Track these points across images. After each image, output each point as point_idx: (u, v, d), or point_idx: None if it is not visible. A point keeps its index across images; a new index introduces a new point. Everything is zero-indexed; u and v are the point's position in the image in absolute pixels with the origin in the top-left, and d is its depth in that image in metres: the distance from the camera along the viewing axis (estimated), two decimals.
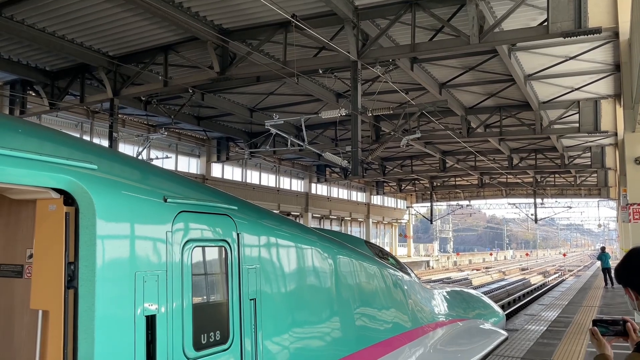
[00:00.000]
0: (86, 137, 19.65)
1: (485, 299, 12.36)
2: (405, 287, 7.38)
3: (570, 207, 49.50)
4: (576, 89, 17.19)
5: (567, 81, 16.58)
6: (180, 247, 3.38)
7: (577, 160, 29.51)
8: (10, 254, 3.26)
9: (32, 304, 2.93)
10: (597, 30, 9.89)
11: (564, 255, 66.22)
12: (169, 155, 23.84)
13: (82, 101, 16.25)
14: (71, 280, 2.83)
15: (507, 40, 11.75)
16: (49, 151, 2.87)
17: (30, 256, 3.10)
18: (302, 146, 16.93)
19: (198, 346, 3.42)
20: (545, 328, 11.25)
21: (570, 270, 47.89)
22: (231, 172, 29.09)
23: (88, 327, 2.80)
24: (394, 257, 9.10)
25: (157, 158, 21.22)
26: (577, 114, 17.71)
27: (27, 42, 13.52)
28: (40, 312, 2.86)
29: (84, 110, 19.78)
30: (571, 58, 14.54)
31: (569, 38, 10.29)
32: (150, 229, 3.23)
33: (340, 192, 40.41)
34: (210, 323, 3.58)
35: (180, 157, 25.65)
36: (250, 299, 3.97)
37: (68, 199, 2.88)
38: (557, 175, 36.80)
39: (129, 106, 18.54)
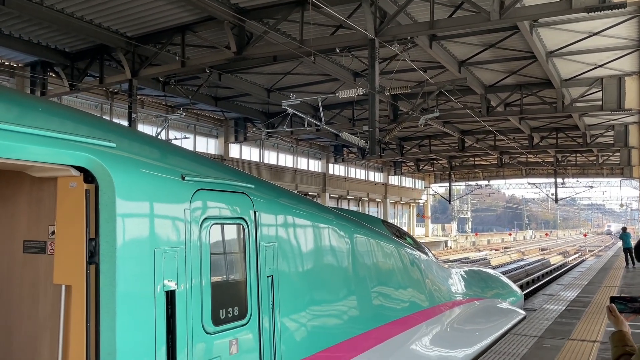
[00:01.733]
0: (105, 118, 19.84)
1: (504, 278, 12.33)
2: (422, 266, 7.40)
3: (592, 187, 48.77)
4: (599, 66, 16.79)
5: (590, 58, 16.19)
6: (198, 224, 3.43)
7: (600, 139, 28.95)
8: (33, 230, 3.35)
9: (55, 279, 3.01)
10: (622, 5, 9.61)
11: (585, 235, 65.47)
12: (188, 135, 23.99)
13: (101, 82, 16.40)
14: (92, 256, 2.90)
15: (529, 16, 11.48)
16: (69, 129, 2.91)
17: (53, 233, 3.18)
18: (319, 126, 16.89)
19: (217, 321, 3.49)
20: (564, 307, 11.20)
21: (590, 251, 47.40)
22: (249, 153, 29.21)
23: (109, 302, 2.87)
24: (411, 237, 9.11)
25: (175, 139, 21.40)
26: (600, 92, 17.33)
27: (46, 24, 13.63)
28: (63, 287, 2.93)
29: (103, 91, 19.96)
30: (595, 34, 14.17)
31: (592, 13, 10.03)
32: (169, 207, 3.28)
33: (357, 173, 40.34)
34: (228, 299, 3.65)
35: (198, 138, 25.80)
36: (268, 276, 4.02)
37: (88, 176, 2.94)
38: (578, 155, 36.16)
39: (147, 87, 18.67)
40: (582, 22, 13.27)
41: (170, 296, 3.17)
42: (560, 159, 36.79)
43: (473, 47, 15.69)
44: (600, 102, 17.47)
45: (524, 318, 10.17)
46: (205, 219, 3.49)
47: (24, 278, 3.37)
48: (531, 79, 18.69)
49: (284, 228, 4.37)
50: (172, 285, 3.18)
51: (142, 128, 20.80)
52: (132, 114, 16.35)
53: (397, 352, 5.99)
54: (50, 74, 16.77)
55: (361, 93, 13.36)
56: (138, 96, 19.01)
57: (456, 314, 8.14)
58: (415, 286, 6.96)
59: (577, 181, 46.41)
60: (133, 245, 3.01)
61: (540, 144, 29.23)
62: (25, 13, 12.55)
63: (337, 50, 14.10)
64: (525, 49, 15.40)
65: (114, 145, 3.06)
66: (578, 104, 19.83)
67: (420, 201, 50.39)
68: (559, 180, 41.89)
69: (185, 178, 3.41)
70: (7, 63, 16.70)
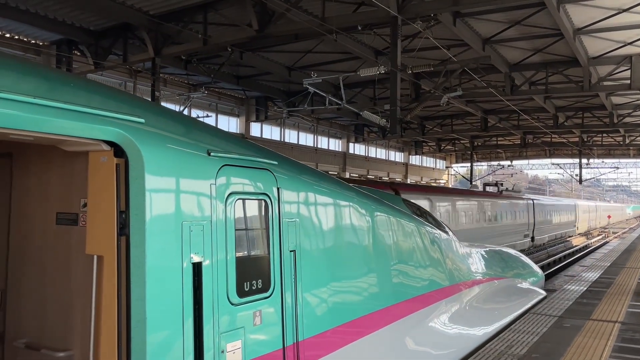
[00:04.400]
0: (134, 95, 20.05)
1: (524, 258, 12.30)
2: (442, 245, 7.43)
3: (618, 168, 47.82)
4: (629, 44, 16.35)
5: (619, 35, 15.77)
6: (224, 199, 3.52)
7: (627, 119, 28.30)
8: (66, 203, 3.47)
9: (88, 250, 3.13)
10: None
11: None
12: (210, 114, 24.16)
13: (125, 60, 16.57)
14: (123, 228, 3.01)
15: None
16: (100, 105, 3.00)
17: (84, 205, 3.29)
18: (340, 105, 16.84)
19: (241, 293, 3.60)
20: (585, 288, 11.14)
21: (614, 233, 46.72)
22: (270, 132, 29.30)
23: (139, 272, 2.99)
24: (431, 215, 9.11)
25: (198, 117, 21.58)
26: (629, 70, 16.91)
27: (71, 2, 13.78)
28: (95, 257, 3.06)
29: (126, 69, 20.16)
30: (624, 10, 13.78)
31: None
32: (195, 181, 3.37)
33: (378, 152, 40.20)
34: (252, 272, 3.75)
35: (220, 117, 25.97)
36: (290, 251, 4.11)
37: (118, 151, 3.04)
38: (604, 135, 35.44)
39: (170, 65, 18.79)
40: None
41: (197, 268, 3.28)
42: (585, 139, 36.10)
43: (498, 25, 15.39)
44: (628, 81, 17.06)
45: (544, 298, 10.16)
46: (230, 194, 3.58)
47: (57, 249, 3.51)
48: (557, 57, 18.29)
49: (306, 204, 4.44)
50: (198, 257, 3.29)
51: (165, 106, 20.99)
52: (155, 93, 16.51)
53: (416, 329, 6.08)
54: (75, 52, 16.99)
55: (383, 71, 13.25)
56: (161, 75, 19.14)
57: (475, 292, 8.18)
58: (434, 264, 7.01)
59: (603, 162, 45.50)
60: (161, 218, 3.11)
61: (565, 123, 28.69)
62: None
63: (359, 28, 13.96)
64: (551, 26, 15.06)
65: (143, 120, 3.15)
66: (605, 83, 19.39)
67: (441, 181, 50.07)
68: (584, 160, 41.11)
69: (211, 154, 3.49)
70: (33, 41, 16.96)
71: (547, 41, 16.55)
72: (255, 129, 28.02)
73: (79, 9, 14.59)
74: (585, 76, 18.63)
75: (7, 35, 16.14)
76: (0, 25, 15.47)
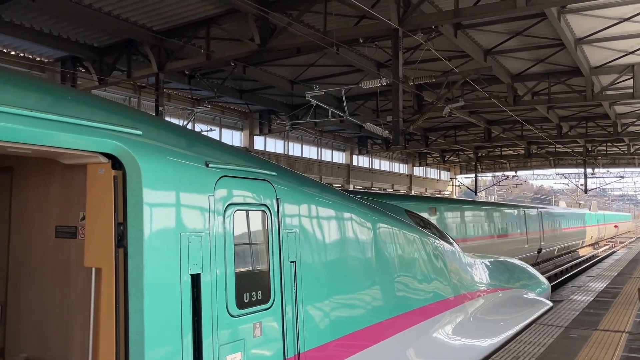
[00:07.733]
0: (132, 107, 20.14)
1: (530, 269, 12.21)
2: (446, 256, 7.39)
3: (623, 177, 47.58)
4: (630, 53, 16.37)
5: (621, 44, 15.79)
6: (222, 210, 3.52)
7: (631, 128, 28.21)
8: (65, 216, 3.48)
9: (86, 262, 3.13)
10: None
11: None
12: (213, 128, 24.27)
13: (129, 76, 16.70)
14: (121, 240, 3.01)
15: (557, 2, 11.27)
16: (97, 117, 3.02)
17: (83, 218, 3.30)
18: (343, 117, 16.88)
19: (241, 305, 3.58)
20: (592, 298, 11.02)
21: (621, 242, 46.36)
22: (273, 145, 29.38)
23: (137, 283, 2.98)
24: (435, 226, 9.07)
25: (201, 131, 21.66)
26: (632, 79, 16.91)
27: (75, 19, 13.94)
28: (93, 270, 3.06)
29: (130, 85, 20.30)
30: (625, 19, 13.81)
31: None
32: (193, 193, 3.37)
33: (382, 164, 40.18)
34: (252, 283, 3.73)
35: (223, 131, 26.08)
36: (290, 262, 4.09)
37: (116, 163, 3.04)
38: (609, 144, 35.34)
39: (173, 80, 18.93)
40: (612, 7, 12.95)
41: (196, 279, 3.27)
42: (589, 149, 36.00)
43: (499, 36, 15.45)
44: (631, 90, 17.05)
45: (551, 308, 10.06)
46: (228, 205, 3.58)
47: (56, 262, 3.51)
48: (559, 67, 18.32)
49: (306, 215, 4.43)
50: (197, 268, 3.27)
51: (162, 118, 21.05)
52: (159, 107, 16.62)
53: (419, 340, 6.02)
54: (80, 68, 17.15)
55: (385, 83, 13.31)
56: (164, 90, 19.29)
57: (480, 303, 8.11)
58: (438, 275, 6.96)
59: (608, 171, 45.33)
60: (159, 230, 3.11)
61: (569, 133, 28.65)
62: (54, 9, 12.85)
63: (361, 41, 14.04)
64: (553, 37, 15.10)
65: (140, 132, 3.16)
66: (608, 92, 19.38)
67: (445, 192, 49.93)
68: (589, 170, 40.94)
69: (209, 165, 3.50)
70: (38, 58, 17.14)
71: (549, 51, 16.59)
72: (259, 143, 28.12)
73: (83, 26, 14.76)
74: (588, 86, 18.64)
75: (13, 52, 16.33)
76: (5, 43, 15.66)
